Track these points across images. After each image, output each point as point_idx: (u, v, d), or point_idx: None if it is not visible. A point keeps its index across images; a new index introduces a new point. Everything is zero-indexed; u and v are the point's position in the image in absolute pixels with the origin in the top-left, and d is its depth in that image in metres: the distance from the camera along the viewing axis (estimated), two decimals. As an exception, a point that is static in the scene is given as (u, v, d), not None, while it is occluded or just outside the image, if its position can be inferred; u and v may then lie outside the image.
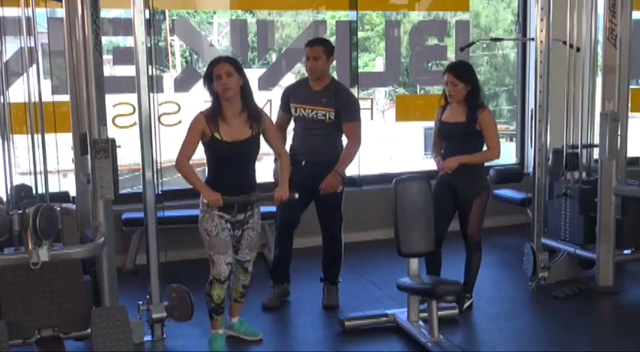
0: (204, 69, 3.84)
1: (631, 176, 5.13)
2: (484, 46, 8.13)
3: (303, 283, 4.85)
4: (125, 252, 5.33)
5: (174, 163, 3.71)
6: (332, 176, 4.38)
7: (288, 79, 6.41)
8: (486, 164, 4.65)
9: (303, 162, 4.46)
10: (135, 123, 4.63)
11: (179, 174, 3.71)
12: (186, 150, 3.71)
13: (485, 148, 4.35)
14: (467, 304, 4.35)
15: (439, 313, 3.91)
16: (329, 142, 4.48)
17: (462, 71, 4.30)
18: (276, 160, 4.24)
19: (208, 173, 3.83)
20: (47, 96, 3.80)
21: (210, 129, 3.67)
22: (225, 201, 3.67)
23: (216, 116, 3.68)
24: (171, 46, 7.12)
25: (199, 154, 3.80)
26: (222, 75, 3.62)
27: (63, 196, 4.11)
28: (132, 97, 4.53)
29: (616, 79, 4.68)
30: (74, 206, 4.06)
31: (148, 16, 3.96)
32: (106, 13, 5.57)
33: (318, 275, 4.70)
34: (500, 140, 4.41)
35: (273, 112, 5.20)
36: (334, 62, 4.68)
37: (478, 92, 4.33)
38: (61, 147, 3.91)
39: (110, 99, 4.08)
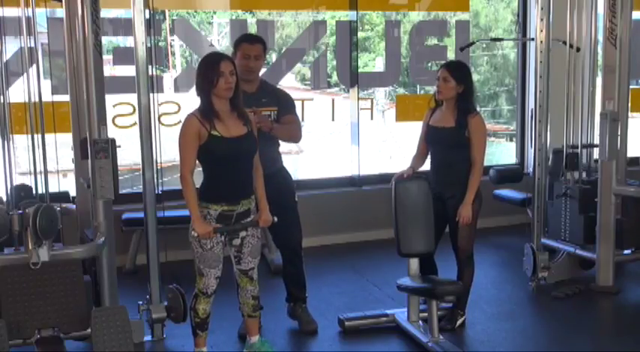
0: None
1: (631, 176, 5.13)
2: (484, 46, 8.11)
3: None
4: (125, 252, 5.32)
5: (174, 163, 3.63)
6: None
7: (289, 79, 6.41)
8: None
9: None
10: (135, 123, 4.63)
11: (179, 174, 3.63)
12: (188, 160, 3.42)
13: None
14: (459, 321, 4.22)
15: (439, 313, 3.91)
16: (276, 148, 4.08)
17: (457, 69, 4.11)
18: None
19: (204, 179, 3.52)
20: (47, 97, 3.80)
21: (206, 128, 3.38)
22: (216, 231, 3.44)
23: (211, 114, 3.40)
24: (171, 46, 7.10)
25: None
26: (227, 73, 3.38)
27: (63, 196, 4.13)
28: (132, 97, 4.54)
29: (616, 79, 4.68)
30: (74, 206, 4.08)
31: (148, 16, 3.96)
32: (106, 13, 5.56)
33: (313, 277, 4.48)
34: (500, 140, 4.30)
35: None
36: (334, 62, 4.64)
37: (470, 96, 4.11)
38: (60, 147, 3.91)
39: (110, 99, 4.08)
